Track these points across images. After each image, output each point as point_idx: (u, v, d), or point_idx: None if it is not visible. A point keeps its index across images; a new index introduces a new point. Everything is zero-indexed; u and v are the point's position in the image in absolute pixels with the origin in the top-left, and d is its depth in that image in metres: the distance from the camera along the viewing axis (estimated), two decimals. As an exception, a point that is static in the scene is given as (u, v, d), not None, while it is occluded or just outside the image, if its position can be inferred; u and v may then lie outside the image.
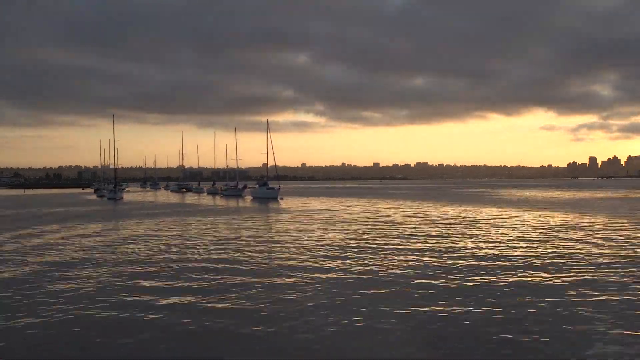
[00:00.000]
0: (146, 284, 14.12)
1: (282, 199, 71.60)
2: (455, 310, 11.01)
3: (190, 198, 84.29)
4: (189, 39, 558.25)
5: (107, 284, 14.03)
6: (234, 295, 12.57)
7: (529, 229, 27.69)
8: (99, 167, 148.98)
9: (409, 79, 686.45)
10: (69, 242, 23.68)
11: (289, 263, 17.14)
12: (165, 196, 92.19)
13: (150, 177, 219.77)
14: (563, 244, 21.34)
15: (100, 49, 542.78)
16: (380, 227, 29.42)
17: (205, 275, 15.10)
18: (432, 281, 13.96)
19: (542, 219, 34.19)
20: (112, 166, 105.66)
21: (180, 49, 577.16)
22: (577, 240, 22.33)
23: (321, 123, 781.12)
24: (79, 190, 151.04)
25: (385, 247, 20.82)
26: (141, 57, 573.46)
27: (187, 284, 13.98)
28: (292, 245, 21.59)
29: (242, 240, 23.89)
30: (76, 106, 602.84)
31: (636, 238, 23.05)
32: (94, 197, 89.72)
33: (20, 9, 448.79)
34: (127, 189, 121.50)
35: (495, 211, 42.26)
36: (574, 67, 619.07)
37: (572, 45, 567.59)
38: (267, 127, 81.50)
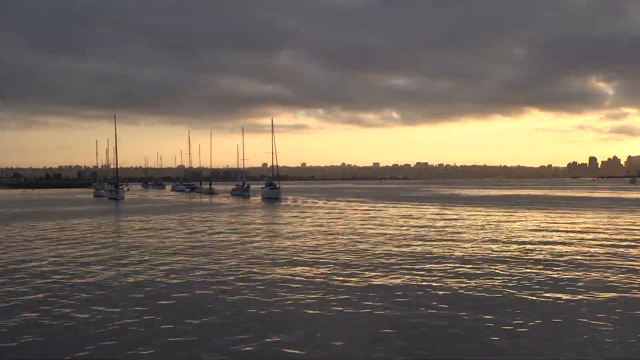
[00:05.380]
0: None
1: (282, 198, 71.90)
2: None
3: (201, 198, 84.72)
4: (177, 39, 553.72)
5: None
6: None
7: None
8: (99, 167, 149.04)
9: (401, 80, 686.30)
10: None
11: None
12: (186, 197, 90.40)
13: (151, 177, 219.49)
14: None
15: (81, 50, 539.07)
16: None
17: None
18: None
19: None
20: (112, 166, 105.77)
21: (166, 49, 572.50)
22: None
23: (317, 124, 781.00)
24: (79, 190, 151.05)
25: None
26: (123, 58, 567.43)
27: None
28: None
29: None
30: (62, 107, 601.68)
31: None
32: (91, 196, 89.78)
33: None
34: (127, 189, 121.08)
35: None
36: (569, 68, 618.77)
37: (567, 45, 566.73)
38: (272, 128, 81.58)
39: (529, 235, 24.55)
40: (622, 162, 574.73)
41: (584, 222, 31.71)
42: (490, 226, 29.51)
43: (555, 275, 14.66)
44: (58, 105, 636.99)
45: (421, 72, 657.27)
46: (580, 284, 13.58)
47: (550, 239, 23.07)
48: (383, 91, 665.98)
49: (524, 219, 34.28)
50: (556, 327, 9.81)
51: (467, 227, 28.99)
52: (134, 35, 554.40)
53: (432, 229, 28.27)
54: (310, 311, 10.97)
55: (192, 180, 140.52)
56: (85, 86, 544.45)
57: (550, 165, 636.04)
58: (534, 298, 12.07)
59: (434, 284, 13.66)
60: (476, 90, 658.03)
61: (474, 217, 36.40)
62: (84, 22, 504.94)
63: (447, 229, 28.51)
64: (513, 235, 24.83)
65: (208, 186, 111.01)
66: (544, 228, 28.30)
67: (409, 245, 21.41)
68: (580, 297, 12.11)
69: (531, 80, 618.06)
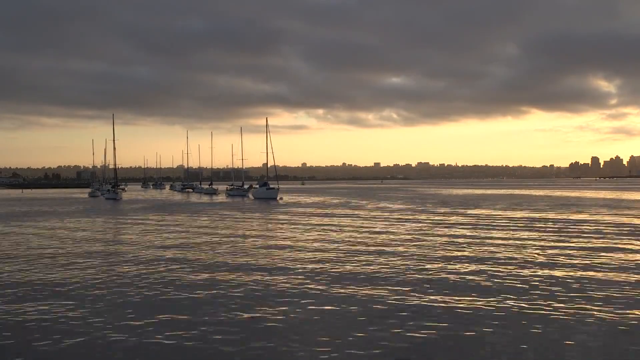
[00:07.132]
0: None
1: (281, 198, 71.61)
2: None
3: (199, 198, 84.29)
4: (176, 39, 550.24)
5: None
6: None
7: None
8: (98, 167, 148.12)
9: (401, 80, 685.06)
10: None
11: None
12: (195, 197, 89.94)
13: (150, 177, 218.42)
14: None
15: (80, 49, 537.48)
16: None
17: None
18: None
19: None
20: (110, 166, 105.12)
21: (164, 49, 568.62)
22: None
23: (317, 124, 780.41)
24: (79, 190, 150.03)
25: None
26: (121, 57, 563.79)
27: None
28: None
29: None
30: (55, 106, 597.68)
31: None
32: (85, 196, 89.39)
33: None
34: (124, 189, 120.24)
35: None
36: (569, 68, 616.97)
37: (567, 45, 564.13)
38: (267, 127, 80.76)
39: None
40: (625, 162, 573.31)
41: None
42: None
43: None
44: (55, 105, 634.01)
45: (421, 72, 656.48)
46: None
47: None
48: (383, 91, 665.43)
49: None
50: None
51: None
52: (133, 35, 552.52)
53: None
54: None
55: (191, 180, 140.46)
56: (84, 86, 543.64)
57: (552, 165, 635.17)
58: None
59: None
60: (476, 90, 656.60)
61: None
62: (82, 21, 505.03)
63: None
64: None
65: (207, 186, 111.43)
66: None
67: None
68: None
69: (531, 80, 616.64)
